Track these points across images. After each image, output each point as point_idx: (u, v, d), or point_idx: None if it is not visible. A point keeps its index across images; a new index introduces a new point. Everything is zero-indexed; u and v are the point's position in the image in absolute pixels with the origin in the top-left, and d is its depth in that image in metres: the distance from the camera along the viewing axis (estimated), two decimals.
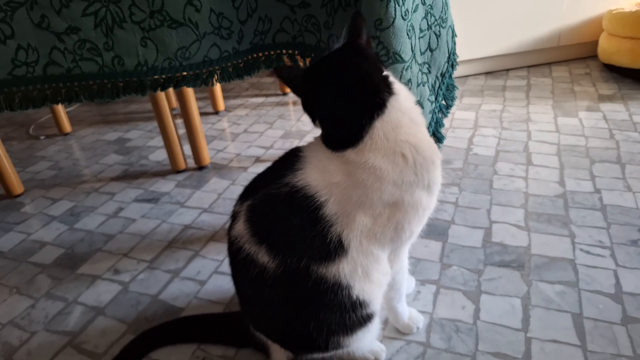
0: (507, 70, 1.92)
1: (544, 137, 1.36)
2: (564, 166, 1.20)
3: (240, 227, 0.59)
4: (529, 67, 1.93)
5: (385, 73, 0.58)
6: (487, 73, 1.91)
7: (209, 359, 0.76)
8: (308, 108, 0.61)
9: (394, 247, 0.62)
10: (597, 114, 1.47)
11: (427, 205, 0.60)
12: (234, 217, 0.62)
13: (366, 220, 0.57)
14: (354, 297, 0.58)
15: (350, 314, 0.59)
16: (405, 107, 0.58)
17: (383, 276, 0.62)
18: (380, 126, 0.56)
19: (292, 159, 0.60)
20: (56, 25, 0.73)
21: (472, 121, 1.50)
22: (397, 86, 0.59)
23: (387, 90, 0.57)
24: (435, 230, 1.00)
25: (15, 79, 0.76)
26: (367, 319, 0.62)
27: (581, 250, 0.91)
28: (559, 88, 1.70)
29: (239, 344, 0.77)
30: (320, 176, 0.57)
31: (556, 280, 0.84)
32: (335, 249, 0.56)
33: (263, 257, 0.57)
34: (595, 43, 1.87)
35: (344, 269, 0.57)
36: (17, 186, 1.33)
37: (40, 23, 0.73)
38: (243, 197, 0.62)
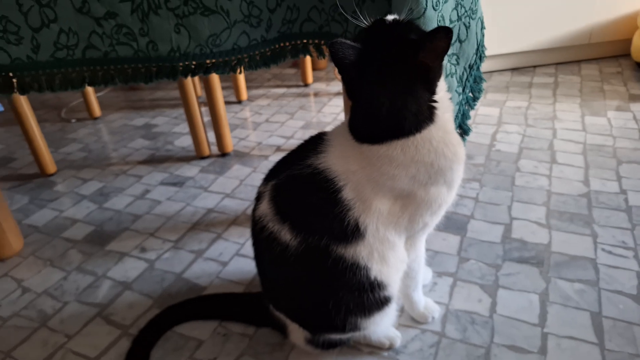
0: (534, 67, 1.88)
1: (569, 135, 1.34)
2: (590, 166, 1.18)
3: (265, 206, 0.62)
4: (557, 64, 1.89)
5: (434, 97, 0.56)
6: (513, 69, 1.88)
7: (229, 335, 0.79)
8: (348, 87, 0.59)
9: (409, 234, 0.63)
10: (627, 114, 1.44)
11: (445, 199, 0.61)
12: (259, 197, 0.64)
13: (381, 208, 0.58)
14: (372, 277, 0.60)
15: (368, 295, 0.61)
16: (441, 123, 0.57)
17: (400, 263, 0.64)
18: (401, 144, 0.56)
19: (316, 141, 0.62)
20: (96, 10, 0.76)
21: (495, 117, 1.49)
22: (439, 112, 0.56)
23: (427, 121, 0.56)
24: (454, 224, 1.01)
25: (56, 61, 0.80)
26: (384, 301, 0.64)
27: (603, 250, 0.90)
28: (587, 86, 1.66)
29: (259, 323, 0.79)
30: (340, 161, 0.59)
31: (576, 278, 0.84)
32: (353, 233, 0.58)
33: (285, 235, 0.59)
34: (628, 41, 1.81)
35: (362, 252, 0.59)
36: (51, 165, 1.39)
37: (81, 8, 0.76)
38: (268, 178, 0.64)
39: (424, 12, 0.67)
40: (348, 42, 0.53)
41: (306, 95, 1.85)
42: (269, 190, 0.62)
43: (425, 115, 0.56)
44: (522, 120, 1.46)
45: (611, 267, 0.86)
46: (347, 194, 0.58)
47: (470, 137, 1.37)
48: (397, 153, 0.56)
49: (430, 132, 0.57)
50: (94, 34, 0.78)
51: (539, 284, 0.84)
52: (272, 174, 0.64)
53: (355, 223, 0.58)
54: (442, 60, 0.55)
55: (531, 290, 0.82)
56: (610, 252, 0.89)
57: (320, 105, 1.74)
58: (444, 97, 0.58)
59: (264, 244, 0.63)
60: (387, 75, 0.54)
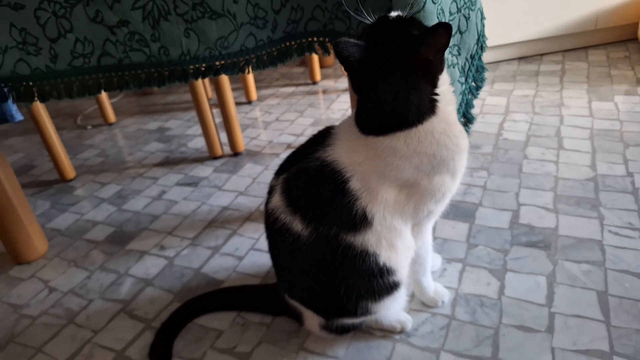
0: (541, 55, 1.88)
1: (577, 121, 1.35)
2: (597, 150, 1.19)
3: (277, 199, 0.65)
4: (564, 51, 1.88)
5: (436, 90, 0.58)
6: (520, 58, 1.88)
7: (248, 325, 0.82)
8: (354, 83, 0.61)
9: (415, 222, 0.65)
10: (634, 98, 1.43)
11: (449, 188, 0.63)
12: (271, 191, 0.67)
13: (388, 197, 0.61)
14: (381, 263, 0.63)
15: (377, 280, 0.63)
16: (443, 116, 0.59)
17: (407, 249, 0.66)
18: (404, 135, 0.58)
19: (324, 135, 0.65)
20: (109, 19, 0.80)
21: (503, 107, 1.50)
22: (441, 104, 0.58)
23: (428, 113, 0.58)
24: (463, 212, 1.03)
25: (73, 70, 0.84)
26: (393, 286, 0.66)
27: (610, 231, 0.91)
28: (595, 72, 1.65)
29: (275, 312, 0.83)
30: (347, 154, 0.61)
31: (583, 259, 0.85)
32: (361, 221, 0.61)
33: (297, 225, 0.62)
34: (635, 25, 1.80)
35: (370, 240, 0.61)
36: (70, 171, 1.44)
37: (95, 17, 0.80)
38: (279, 172, 0.67)
39: (423, 6, 0.70)
40: (352, 40, 0.55)
41: (315, 92, 1.88)
42: (280, 184, 0.65)
43: (426, 108, 0.58)
44: (530, 109, 1.46)
45: (618, 247, 0.87)
46: (355, 184, 0.60)
47: (478, 127, 1.38)
48: (401, 144, 0.59)
49: (432, 124, 0.59)
50: (108, 41, 0.82)
51: (547, 266, 0.85)
52: (283, 168, 0.67)
53: (363, 212, 0.60)
54: (443, 54, 0.57)
55: (539, 273, 0.84)
56: (616, 234, 0.90)
57: (329, 102, 1.77)
58: (447, 90, 0.60)
59: (277, 235, 0.66)
60: (390, 69, 0.56)
